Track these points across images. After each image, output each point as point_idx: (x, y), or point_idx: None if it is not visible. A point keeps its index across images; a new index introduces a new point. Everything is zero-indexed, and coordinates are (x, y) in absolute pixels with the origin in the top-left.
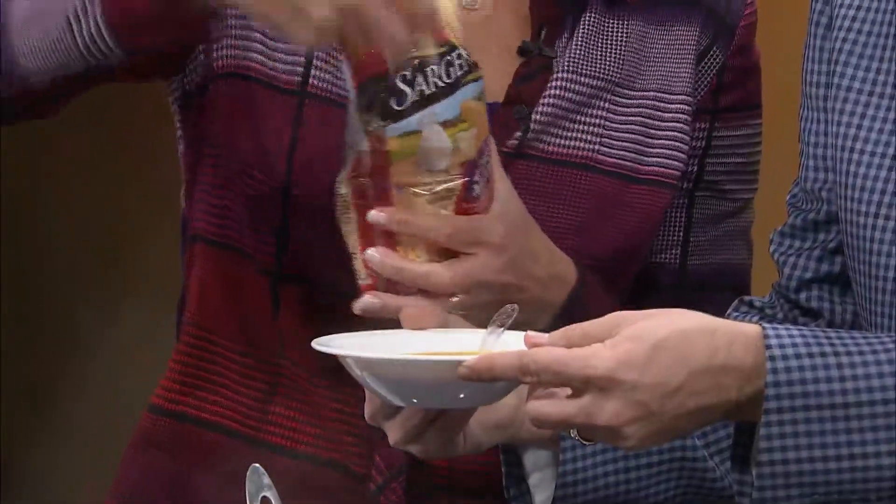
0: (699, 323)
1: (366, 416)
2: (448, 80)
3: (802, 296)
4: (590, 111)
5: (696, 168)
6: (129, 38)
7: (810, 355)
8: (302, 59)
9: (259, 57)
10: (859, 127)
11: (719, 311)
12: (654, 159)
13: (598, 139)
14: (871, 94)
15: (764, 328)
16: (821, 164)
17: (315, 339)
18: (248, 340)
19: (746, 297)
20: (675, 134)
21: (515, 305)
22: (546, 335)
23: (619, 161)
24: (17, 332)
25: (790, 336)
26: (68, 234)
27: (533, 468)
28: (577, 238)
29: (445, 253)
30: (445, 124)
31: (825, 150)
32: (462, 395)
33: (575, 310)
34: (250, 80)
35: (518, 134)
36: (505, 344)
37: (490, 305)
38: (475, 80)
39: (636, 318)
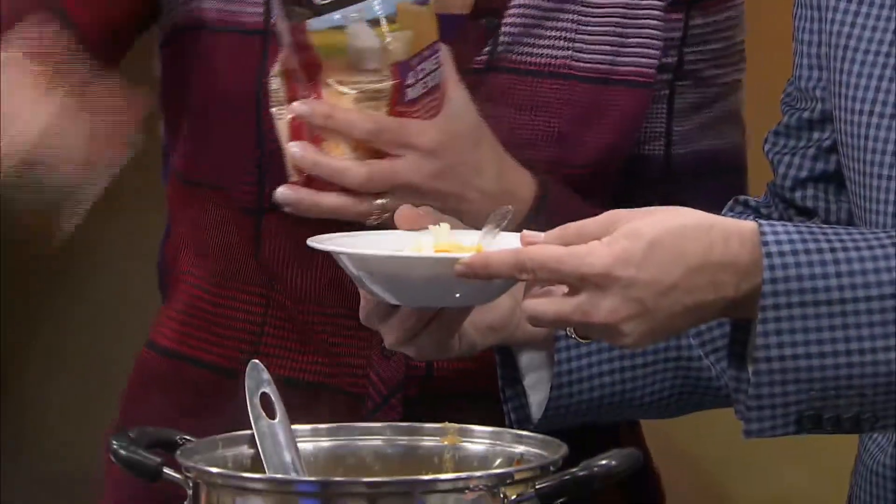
0: (696, 220)
1: (360, 317)
2: None
3: (797, 195)
4: (560, 16)
5: (675, 59)
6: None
7: (807, 251)
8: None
9: (216, 4)
10: (853, 25)
11: (715, 198)
12: (630, 59)
13: (571, 44)
14: None
15: (760, 224)
16: (815, 63)
17: (309, 238)
18: (235, 277)
19: (741, 197)
20: (649, 31)
21: (510, 207)
22: (542, 234)
23: (595, 66)
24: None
25: (787, 232)
26: None
27: (528, 369)
28: (558, 147)
29: (375, 154)
30: (374, 23)
31: (819, 48)
32: (458, 294)
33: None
34: (210, 29)
35: (488, 48)
36: (501, 244)
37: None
38: None
39: (633, 215)
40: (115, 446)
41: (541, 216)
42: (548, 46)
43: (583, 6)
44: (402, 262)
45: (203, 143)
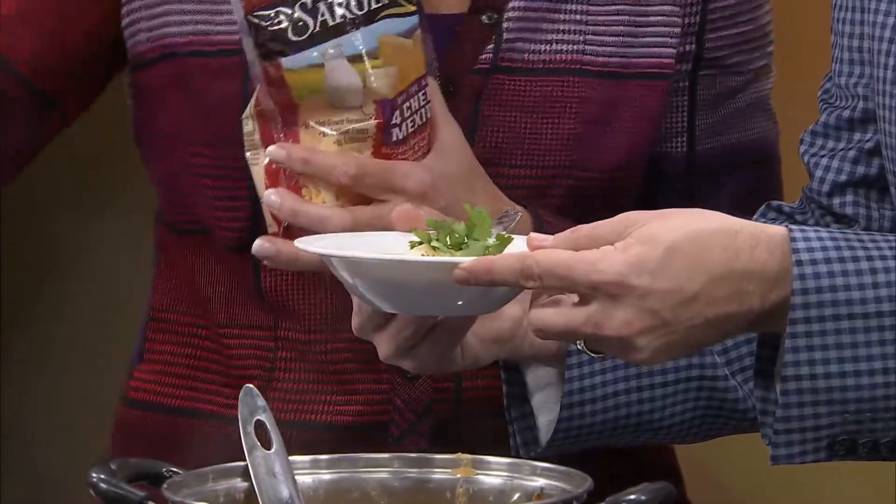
0: (718, 224)
1: (353, 327)
2: (358, 13)
3: (836, 201)
4: (567, 7)
5: (693, 46)
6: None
7: (841, 260)
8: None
9: (187, 29)
10: None
11: (746, 192)
12: (645, 49)
13: (582, 38)
14: None
15: (790, 230)
16: (856, 57)
17: (297, 240)
18: (238, 321)
19: (774, 202)
20: (664, 18)
21: (519, 208)
22: (550, 237)
23: (608, 59)
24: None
25: (819, 239)
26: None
27: (536, 387)
28: (575, 152)
29: (360, 199)
30: (355, 59)
31: (861, 41)
32: (459, 302)
33: None
34: (182, 56)
35: (491, 46)
36: (506, 247)
37: None
38: (402, 15)
39: (649, 218)
40: (94, 479)
41: None
42: (555, 41)
43: None
44: (398, 267)
45: (186, 183)
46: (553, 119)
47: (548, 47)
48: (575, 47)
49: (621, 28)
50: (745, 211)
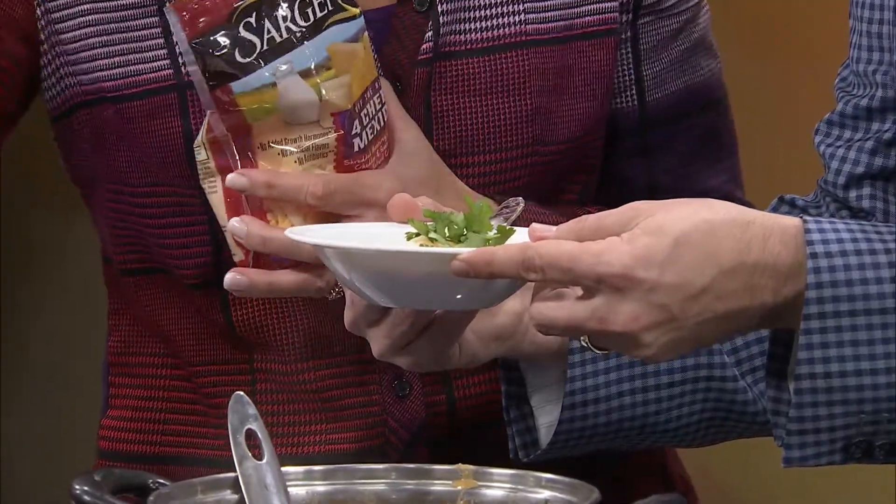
0: (730, 214)
1: (346, 322)
2: (304, 24)
3: (852, 193)
4: None
5: None
6: None
7: (858, 252)
8: (164, 52)
9: (116, 72)
10: None
11: (697, 139)
12: (588, 7)
13: (521, 7)
14: None
15: (805, 221)
16: (875, 44)
17: (288, 229)
18: (209, 359)
19: (787, 196)
20: None
21: (520, 198)
22: (553, 227)
23: (552, 25)
24: None
25: (835, 230)
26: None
27: (536, 387)
28: (534, 126)
29: (328, 218)
30: (306, 73)
31: (880, 26)
32: (458, 296)
33: None
34: (110, 100)
35: (429, 34)
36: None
37: None
38: (347, 20)
39: (657, 208)
40: (77, 491)
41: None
42: (494, 16)
43: None
44: (394, 258)
45: (135, 225)
46: (507, 97)
47: (488, 23)
48: (516, 18)
49: None
50: (702, 158)
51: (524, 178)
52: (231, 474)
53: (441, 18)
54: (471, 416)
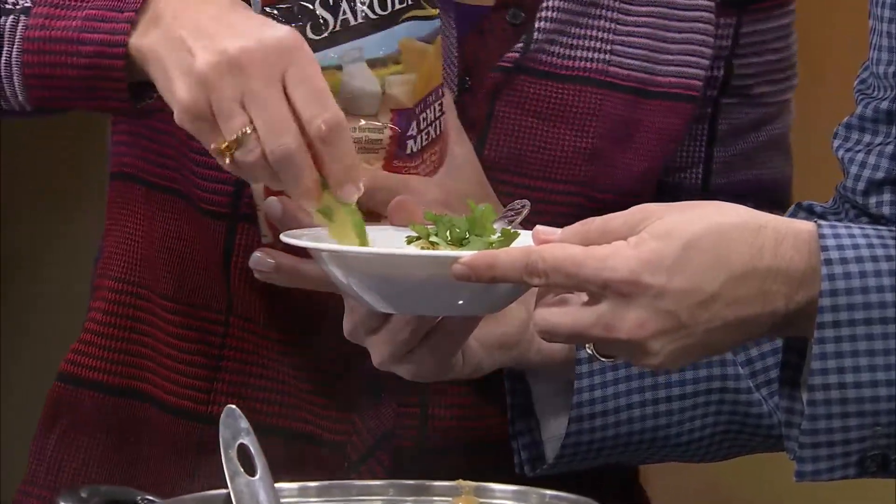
0: (741, 218)
1: (345, 330)
2: (381, 13)
3: (872, 200)
4: (597, 13)
5: (721, 71)
6: (42, 101)
7: (874, 258)
8: None
9: None
10: None
11: None
12: (673, 68)
13: (609, 47)
14: None
15: (819, 226)
16: (895, 44)
17: (283, 233)
18: (188, 298)
19: (805, 203)
20: (695, 36)
21: (526, 201)
22: (558, 230)
23: (633, 73)
24: None
25: (850, 236)
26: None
27: (543, 398)
28: (589, 166)
29: (367, 214)
30: (374, 63)
31: None
32: (459, 301)
33: None
34: None
35: (520, 45)
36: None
37: None
38: (424, 19)
39: (665, 210)
40: None
41: None
42: (583, 48)
43: (621, 2)
44: (393, 261)
45: (166, 139)
46: (569, 130)
47: (575, 53)
48: (602, 56)
49: (650, 42)
50: None
51: (568, 217)
52: (223, 491)
53: (536, 34)
54: (440, 435)
